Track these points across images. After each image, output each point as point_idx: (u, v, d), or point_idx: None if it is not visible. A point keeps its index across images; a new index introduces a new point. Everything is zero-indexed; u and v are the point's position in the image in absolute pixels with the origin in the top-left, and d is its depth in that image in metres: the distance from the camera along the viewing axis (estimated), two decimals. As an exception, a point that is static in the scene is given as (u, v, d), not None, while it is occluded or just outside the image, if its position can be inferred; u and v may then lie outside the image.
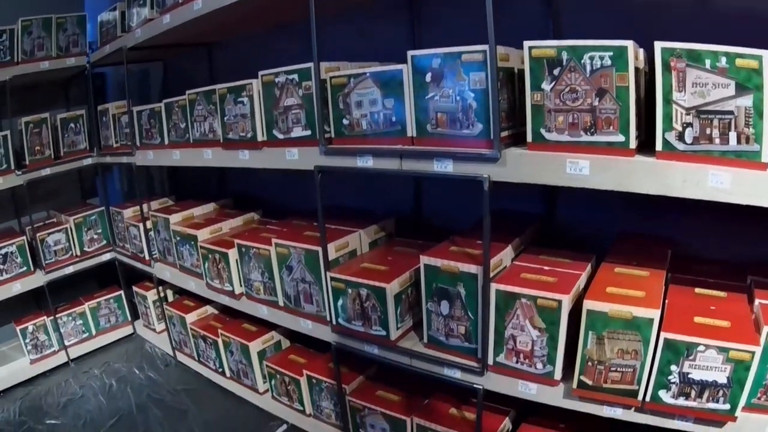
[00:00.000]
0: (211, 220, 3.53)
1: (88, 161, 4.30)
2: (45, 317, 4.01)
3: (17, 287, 3.91)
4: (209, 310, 3.79)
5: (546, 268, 2.03)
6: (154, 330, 4.29)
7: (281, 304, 2.80)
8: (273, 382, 3.08)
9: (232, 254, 2.98)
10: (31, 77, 3.88)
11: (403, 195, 3.02)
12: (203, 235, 3.28)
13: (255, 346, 3.14)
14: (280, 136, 2.51)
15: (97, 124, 4.28)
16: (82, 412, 3.50)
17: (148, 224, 3.82)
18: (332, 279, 2.40)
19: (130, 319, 4.49)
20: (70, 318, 4.17)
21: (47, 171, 4.01)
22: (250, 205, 3.82)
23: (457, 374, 2.14)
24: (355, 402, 2.60)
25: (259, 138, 2.62)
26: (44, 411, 3.58)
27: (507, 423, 2.32)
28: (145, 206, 3.89)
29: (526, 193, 1.91)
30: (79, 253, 4.20)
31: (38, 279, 4.00)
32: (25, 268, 3.95)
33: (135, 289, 4.36)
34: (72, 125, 4.20)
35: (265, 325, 3.18)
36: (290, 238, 2.67)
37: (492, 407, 2.32)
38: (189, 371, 3.83)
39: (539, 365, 1.90)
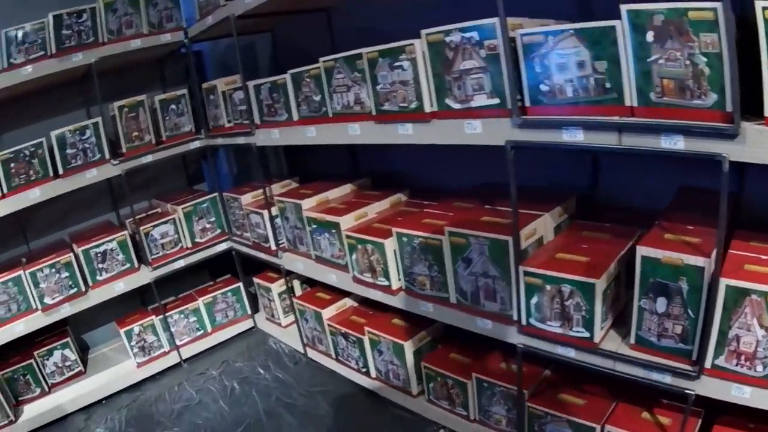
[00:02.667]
0: (351, 204, 3.42)
1: (196, 144, 4.27)
2: (153, 316, 4.03)
3: (120, 286, 3.92)
4: (348, 302, 3.70)
5: (763, 257, 1.93)
6: (279, 324, 4.28)
7: (453, 301, 2.70)
8: (431, 384, 3.02)
9: (390, 244, 2.89)
10: (121, 58, 3.82)
11: (577, 168, 2.86)
12: (347, 222, 3.18)
13: (410, 346, 3.06)
14: (456, 106, 2.36)
15: (203, 104, 4.25)
16: (200, 421, 3.44)
17: (273, 210, 3.76)
18: (526, 273, 2.29)
19: (249, 312, 4.50)
20: (182, 315, 4.19)
21: (149, 158, 4.00)
22: (391, 185, 3.68)
23: (668, 378, 2.05)
24: (536, 408, 2.52)
25: (427, 108, 2.46)
26: (156, 420, 3.54)
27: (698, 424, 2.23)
28: (267, 190, 3.86)
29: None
30: (190, 245, 4.20)
31: (144, 276, 4.01)
32: (128, 266, 3.96)
33: (256, 280, 4.36)
34: (173, 106, 4.18)
35: (415, 320, 3.09)
36: (467, 226, 2.54)
37: (674, 406, 2.27)
38: (323, 370, 3.75)
39: (759, 367, 1.81)
